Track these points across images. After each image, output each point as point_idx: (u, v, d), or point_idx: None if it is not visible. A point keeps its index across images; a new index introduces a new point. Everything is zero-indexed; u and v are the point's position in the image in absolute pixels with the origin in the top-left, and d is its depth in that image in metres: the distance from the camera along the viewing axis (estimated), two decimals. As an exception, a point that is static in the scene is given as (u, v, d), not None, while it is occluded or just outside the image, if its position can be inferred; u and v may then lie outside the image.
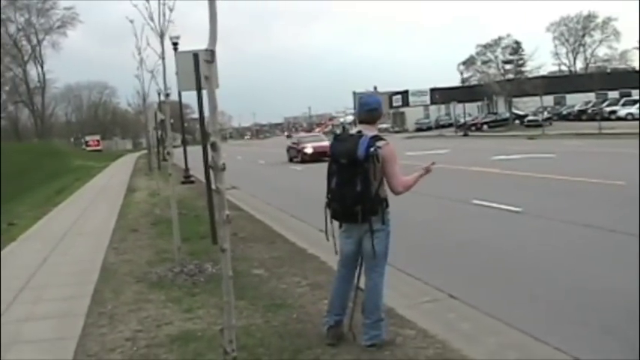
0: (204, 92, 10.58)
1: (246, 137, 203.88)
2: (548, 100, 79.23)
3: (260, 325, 7.21)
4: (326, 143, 35.87)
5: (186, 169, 30.97)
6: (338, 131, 6.51)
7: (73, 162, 63.84)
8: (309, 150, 40.60)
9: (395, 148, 6.36)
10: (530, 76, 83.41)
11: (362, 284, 6.61)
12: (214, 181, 4.56)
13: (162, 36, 10.15)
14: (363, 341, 6.35)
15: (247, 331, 6.93)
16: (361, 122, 6.45)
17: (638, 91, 73.48)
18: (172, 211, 10.94)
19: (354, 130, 6.41)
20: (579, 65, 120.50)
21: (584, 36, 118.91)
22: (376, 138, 6.17)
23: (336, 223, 6.47)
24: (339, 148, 6.28)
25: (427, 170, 6.53)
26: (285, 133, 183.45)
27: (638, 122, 52.18)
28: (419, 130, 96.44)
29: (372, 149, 6.05)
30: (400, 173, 6.30)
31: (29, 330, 7.87)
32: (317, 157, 36.54)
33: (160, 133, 40.04)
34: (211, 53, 4.41)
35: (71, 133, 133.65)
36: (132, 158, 75.25)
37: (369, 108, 6.43)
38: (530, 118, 72.36)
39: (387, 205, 6.28)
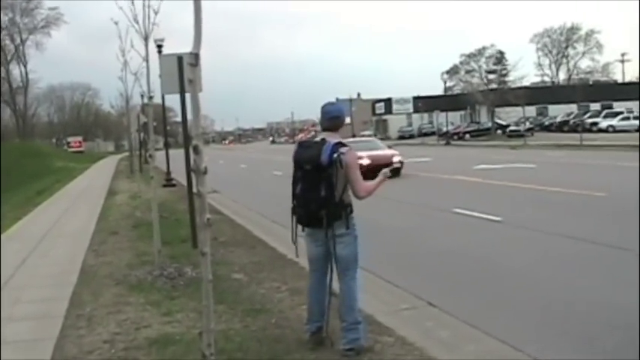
0: (188, 95, 10.58)
1: (224, 142, 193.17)
2: (531, 110, 79.75)
3: (239, 330, 7.21)
4: (388, 152, 29.55)
5: (168, 172, 30.89)
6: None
7: (55, 163, 63.47)
8: (364, 161, 23.99)
9: (356, 156, 6.47)
10: (513, 86, 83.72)
11: (335, 290, 6.67)
12: (196, 185, 4.56)
13: (146, 38, 10.13)
14: (342, 345, 6.38)
15: (226, 335, 6.92)
16: (324, 130, 6.54)
17: (619, 103, 74.25)
18: (153, 214, 10.91)
19: (318, 138, 6.50)
20: (562, 77, 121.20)
21: (567, 48, 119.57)
22: (339, 144, 6.28)
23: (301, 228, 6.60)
24: (303, 154, 6.39)
25: (385, 176, 6.62)
26: (270, 138, 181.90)
27: (621, 134, 52.63)
28: (401, 137, 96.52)
29: (335, 155, 6.17)
30: (362, 178, 6.39)
31: (7, 331, 7.80)
32: (376, 172, 13.68)
33: (142, 135, 39.90)
34: (195, 56, 4.41)
35: (53, 133, 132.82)
36: (114, 160, 74.95)
37: (330, 116, 6.54)
38: (513, 128, 72.59)
39: (351, 211, 6.38)
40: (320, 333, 6.61)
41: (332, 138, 6.35)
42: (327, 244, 6.41)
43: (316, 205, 6.21)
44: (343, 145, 6.32)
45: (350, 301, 6.42)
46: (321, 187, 6.18)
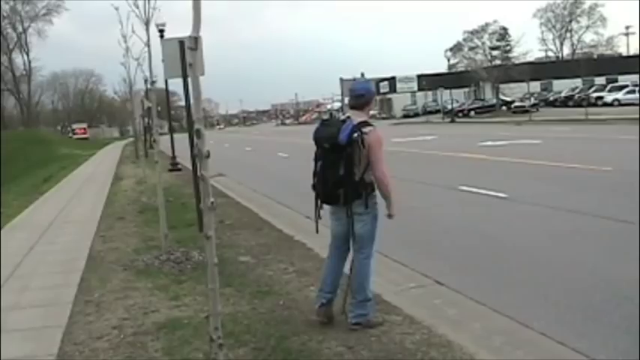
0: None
1: (218, 127, 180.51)
2: (535, 86, 79.41)
3: (247, 312, 7.23)
4: None
5: (173, 157, 30.92)
6: (325, 117, 6.69)
7: (60, 150, 63.56)
8: None
9: (382, 135, 6.42)
10: (516, 62, 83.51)
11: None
12: (199, 168, 4.56)
13: (147, 23, 10.10)
14: (349, 319, 6.52)
15: (234, 318, 6.94)
16: (351, 108, 6.56)
17: (623, 76, 73.91)
18: (159, 198, 10.92)
19: (344, 117, 6.50)
20: (566, 51, 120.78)
21: (570, 22, 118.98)
22: (363, 124, 6.25)
23: (327, 207, 6.61)
24: (322, 133, 6.39)
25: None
26: (278, 120, 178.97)
27: (626, 108, 52.44)
28: (406, 116, 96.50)
29: (355, 134, 6.14)
30: (384, 160, 6.36)
31: (16, 319, 7.84)
32: None
33: (146, 120, 39.88)
34: (195, 40, 4.38)
35: (58, 121, 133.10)
36: (119, 146, 74.93)
37: (354, 94, 6.55)
38: (517, 104, 72.45)
39: (372, 190, 6.37)
40: (329, 306, 6.69)
41: (357, 117, 6.34)
42: (349, 222, 6.45)
43: (334, 184, 6.25)
44: (367, 124, 6.30)
45: (361, 278, 6.52)
46: (339, 166, 6.19)
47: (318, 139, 6.41)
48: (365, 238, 6.46)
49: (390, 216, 6.52)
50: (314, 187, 6.52)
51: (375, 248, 6.61)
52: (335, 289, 6.73)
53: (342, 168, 6.18)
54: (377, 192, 6.43)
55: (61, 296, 8.63)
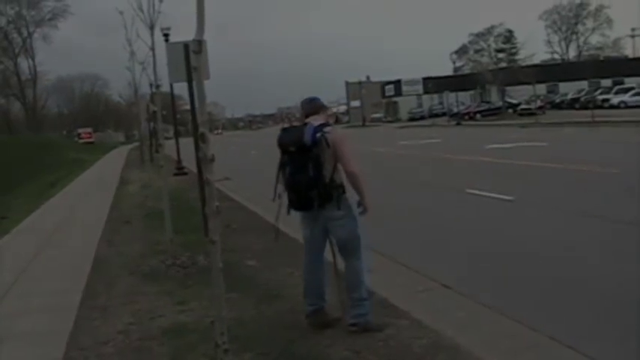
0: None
1: (216, 132, 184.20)
2: (541, 88, 79.20)
3: (253, 317, 7.20)
4: None
5: (179, 161, 30.91)
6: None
7: (66, 155, 63.59)
8: None
9: (343, 134, 6.50)
10: (522, 64, 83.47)
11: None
12: (204, 172, 4.52)
13: (152, 27, 10.10)
14: (347, 319, 6.50)
15: (240, 322, 6.91)
16: (307, 116, 6.55)
17: (630, 79, 73.77)
18: (164, 202, 10.90)
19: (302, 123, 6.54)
20: (572, 53, 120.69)
21: (576, 24, 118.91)
22: (323, 125, 6.33)
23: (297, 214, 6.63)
24: (285, 138, 6.41)
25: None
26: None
27: (633, 110, 52.30)
28: (412, 119, 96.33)
29: (318, 135, 6.20)
30: (353, 156, 6.37)
31: (21, 323, 7.83)
32: None
33: (152, 124, 39.91)
34: (199, 43, 4.35)
35: (63, 125, 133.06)
36: (124, 150, 75.07)
37: (305, 102, 6.68)
38: (523, 106, 72.20)
39: (343, 191, 6.37)
40: (317, 316, 6.68)
41: (316, 121, 6.39)
42: (321, 226, 6.48)
43: (306, 186, 6.23)
44: (327, 125, 6.37)
45: (354, 278, 6.51)
46: (308, 168, 6.19)
47: (283, 144, 6.41)
48: (348, 240, 6.45)
49: (363, 211, 6.43)
50: (279, 195, 6.50)
51: (364, 245, 6.59)
52: (320, 298, 6.72)
53: (312, 170, 6.19)
54: (347, 193, 6.42)
55: (67, 301, 8.61)
